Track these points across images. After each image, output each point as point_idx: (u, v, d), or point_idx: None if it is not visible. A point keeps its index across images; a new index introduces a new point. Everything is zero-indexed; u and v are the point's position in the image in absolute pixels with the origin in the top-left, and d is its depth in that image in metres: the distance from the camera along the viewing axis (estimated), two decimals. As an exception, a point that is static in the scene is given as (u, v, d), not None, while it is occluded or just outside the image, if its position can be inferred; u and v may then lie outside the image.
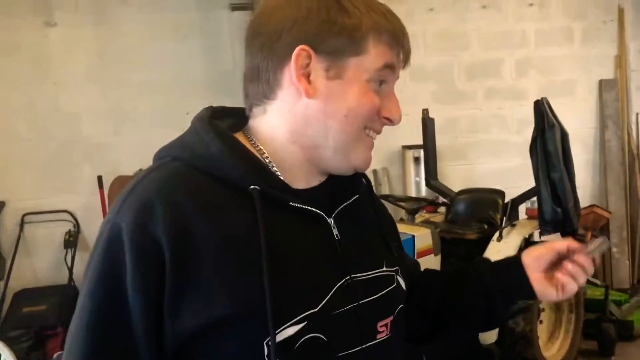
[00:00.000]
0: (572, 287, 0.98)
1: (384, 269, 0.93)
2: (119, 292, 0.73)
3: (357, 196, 0.93)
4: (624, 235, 4.89)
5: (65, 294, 4.03)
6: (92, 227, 4.36)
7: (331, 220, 0.86)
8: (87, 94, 4.36)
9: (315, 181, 0.89)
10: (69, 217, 4.33)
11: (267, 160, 0.84)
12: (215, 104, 0.93)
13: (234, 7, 4.45)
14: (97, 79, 4.37)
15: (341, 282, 0.83)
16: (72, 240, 4.21)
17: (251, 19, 0.86)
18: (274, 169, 0.84)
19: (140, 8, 4.39)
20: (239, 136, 0.86)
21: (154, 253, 0.73)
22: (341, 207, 0.89)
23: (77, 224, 4.34)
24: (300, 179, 0.86)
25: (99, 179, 4.29)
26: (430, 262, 3.03)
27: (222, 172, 0.79)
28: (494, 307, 1.03)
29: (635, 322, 3.91)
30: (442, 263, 3.20)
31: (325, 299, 0.80)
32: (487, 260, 1.09)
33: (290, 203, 0.81)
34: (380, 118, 0.85)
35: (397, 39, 0.83)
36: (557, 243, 1.00)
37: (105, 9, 4.35)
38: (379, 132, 0.87)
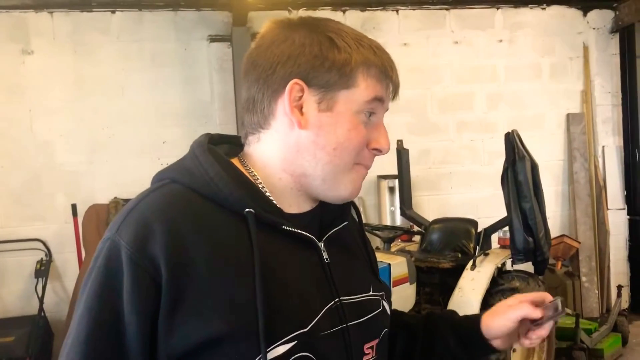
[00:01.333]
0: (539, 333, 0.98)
1: (371, 293, 0.96)
2: (115, 309, 0.75)
3: (346, 222, 0.96)
4: (593, 265, 5.00)
5: (34, 324, 3.94)
6: (65, 256, 4.30)
7: (321, 244, 0.90)
8: (63, 122, 4.35)
9: (306, 207, 0.92)
10: (41, 246, 4.26)
11: (260, 186, 0.87)
12: (192, 134, 0.96)
13: (212, 39, 4.52)
14: (73, 107, 4.36)
15: (330, 304, 0.86)
16: (43, 270, 4.13)
17: (248, 53, 0.90)
18: (267, 194, 0.87)
19: (119, 37, 4.43)
20: (235, 162, 0.89)
21: (151, 272, 0.75)
22: (331, 232, 0.92)
23: (49, 253, 4.27)
24: (292, 204, 0.90)
25: (73, 207, 4.25)
26: (406, 291, 3.06)
27: (218, 195, 0.82)
28: (455, 354, 1.07)
29: (605, 350, 3.99)
30: (417, 292, 3.23)
31: (315, 320, 0.82)
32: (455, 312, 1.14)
33: (283, 227, 0.84)
34: (369, 149, 0.89)
35: (385, 73, 0.87)
36: (525, 309, 0.98)
37: (83, 38, 4.37)
38: (368, 167, 0.91)
